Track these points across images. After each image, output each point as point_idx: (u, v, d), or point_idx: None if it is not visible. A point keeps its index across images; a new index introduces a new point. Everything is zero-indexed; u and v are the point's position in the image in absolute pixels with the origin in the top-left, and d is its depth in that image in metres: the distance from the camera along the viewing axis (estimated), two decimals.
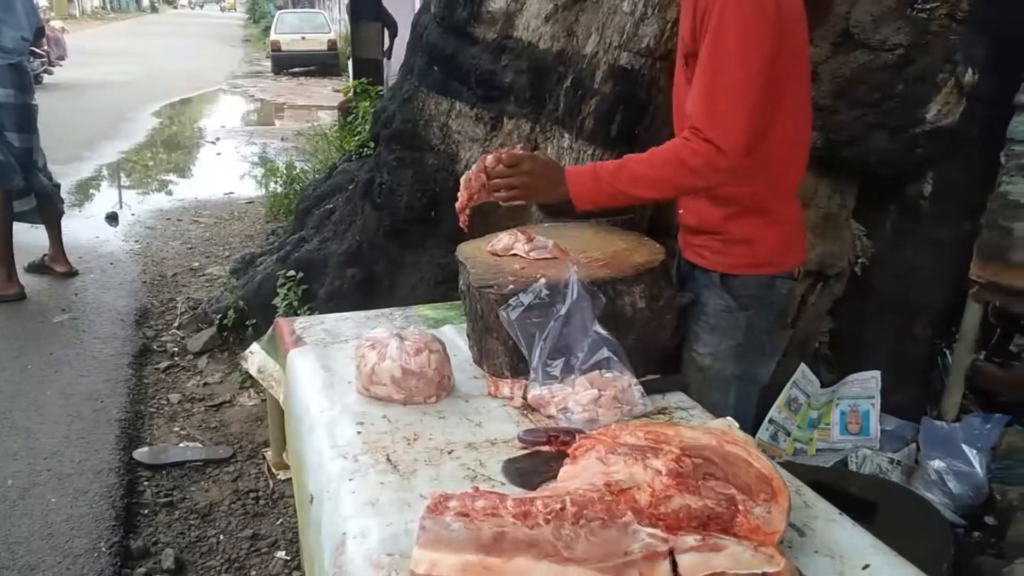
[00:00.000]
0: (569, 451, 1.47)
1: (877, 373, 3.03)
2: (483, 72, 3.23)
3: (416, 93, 3.55)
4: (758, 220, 1.94)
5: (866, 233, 3.13)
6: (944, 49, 2.64)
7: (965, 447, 2.73)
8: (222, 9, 61.60)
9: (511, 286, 1.88)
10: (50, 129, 9.38)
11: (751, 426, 2.77)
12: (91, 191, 7.79)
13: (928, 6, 2.67)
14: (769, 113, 1.80)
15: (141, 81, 16.13)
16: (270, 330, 2.34)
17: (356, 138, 4.98)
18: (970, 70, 2.66)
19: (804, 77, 1.94)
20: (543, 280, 1.84)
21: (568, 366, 1.79)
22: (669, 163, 1.79)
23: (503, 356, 1.93)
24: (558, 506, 1.21)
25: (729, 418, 1.62)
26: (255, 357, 2.30)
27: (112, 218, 6.57)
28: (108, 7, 53.12)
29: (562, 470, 1.42)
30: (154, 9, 60.83)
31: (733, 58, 1.71)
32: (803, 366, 3.08)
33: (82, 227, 6.31)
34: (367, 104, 5.09)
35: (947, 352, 3.10)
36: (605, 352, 1.78)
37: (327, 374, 1.95)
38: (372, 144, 4.23)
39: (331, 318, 2.35)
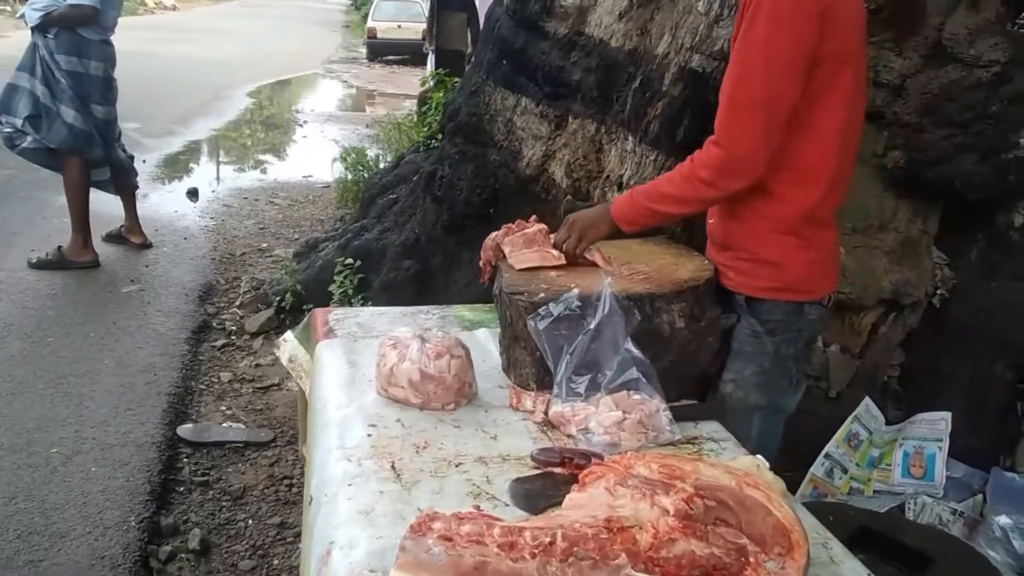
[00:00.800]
0: (580, 476, 1.37)
1: (948, 414, 2.81)
2: (551, 68, 3.14)
3: (483, 87, 3.49)
4: (787, 241, 1.83)
5: (948, 262, 2.91)
6: None
7: None
8: None
9: (542, 294, 1.79)
10: (148, 103, 9.86)
11: (774, 459, 2.62)
12: (177, 166, 8.02)
13: None
14: (801, 125, 1.70)
15: (240, 61, 16.57)
16: (305, 319, 2.31)
17: (426, 129, 4.96)
18: None
19: (853, 88, 1.76)
20: (576, 291, 1.74)
21: (594, 384, 1.69)
22: (686, 178, 1.77)
23: (530, 367, 1.84)
24: (547, 539, 1.12)
25: (759, 456, 1.50)
26: (287, 346, 2.27)
27: (193, 194, 6.74)
28: None
29: (568, 497, 1.33)
30: None
31: (758, 58, 1.64)
32: (867, 400, 2.88)
33: (163, 200, 6.50)
34: (440, 95, 5.07)
35: None
36: (635, 372, 1.67)
37: (351, 370, 1.90)
38: (440, 136, 4.19)
39: (367, 312, 2.31)
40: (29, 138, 4.45)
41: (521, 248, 2.02)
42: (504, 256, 2.03)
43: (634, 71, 2.87)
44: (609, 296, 1.69)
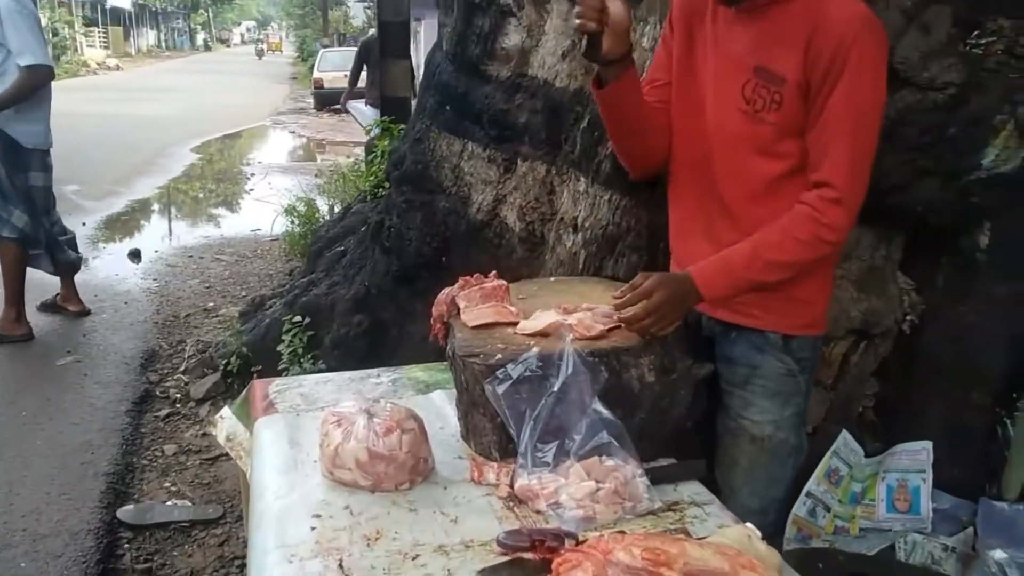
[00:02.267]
0: (553, 565, 1.22)
1: (928, 444, 2.71)
2: (496, 111, 3.03)
3: (427, 133, 3.37)
4: (818, 278, 1.83)
5: (915, 288, 2.83)
6: (1002, 88, 2.36)
7: None
8: (258, 54, 48.65)
9: (499, 355, 1.64)
10: (88, 164, 9.59)
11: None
12: (118, 227, 7.76)
13: (983, 41, 2.41)
14: None
15: (186, 117, 16.36)
16: (244, 392, 2.13)
17: (372, 178, 4.83)
18: None
19: None
20: (535, 350, 1.60)
21: (562, 450, 1.54)
22: (808, 244, 1.68)
23: (491, 435, 1.69)
24: None
25: (749, 525, 1.36)
26: (224, 423, 2.09)
27: (134, 255, 6.49)
28: (163, 46, 54.80)
29: None
30: (207, 48, 62.44)
31: (871, 113, 1.66)
32: (845, 433, 2.77)
33: (103, 264, 6.25)
34: (386, 143, 4.95)
35: (1008, 422, 2.77)
36: (605, 436, 1.53)
37: (292, 450, 1.72)
38: (386, 184, 4.06)
39: (311, 380, 2.13)
40: None
41: (477, 303, 1.87)
42: (458, 312, 1.88)
43: (581, 111, 2.78)
44: (572, 354, 1.55)
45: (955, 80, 2.35)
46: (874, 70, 1.62)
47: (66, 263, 4.79)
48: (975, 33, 2.41)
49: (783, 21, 1.66)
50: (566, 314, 1.74)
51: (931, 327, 2.81)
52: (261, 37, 67.10)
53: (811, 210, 1.66)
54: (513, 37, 3.03)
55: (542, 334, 1.69)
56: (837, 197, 1.63)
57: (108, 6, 40.36)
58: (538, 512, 1.49)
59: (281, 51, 56.03)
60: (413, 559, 1.34)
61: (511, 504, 1.53)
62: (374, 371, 2.20)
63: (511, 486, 1.55)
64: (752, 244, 1.72)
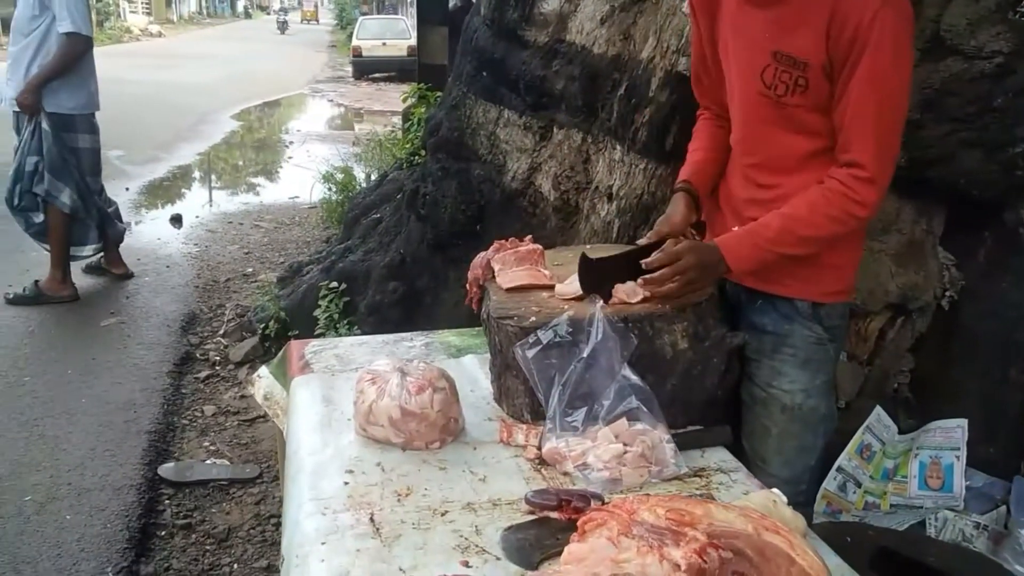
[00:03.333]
0: (579, 524, 1.24)
1: (964, 421, 2.67)
2: (533, 78, 3.02)
3: (464, 100, 3.37)
4: (850, 244, 1.82)
5: (955, 263, 2.78)
6: None
7: None
8: (280, 27, 38.37)
9: (533, 318, 1.66)
10: (131, 129, 9.73)
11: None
12: (160, 192, 7.89)
13: None
14: None
15: (227, 84, 16.49)
16: (281, 352, 2.17)
17: (408, 146, 4.84)
18: None
19: None
20: (566, 315, 1.61)
21: (591, 416, 1.56)
22: (837, 219, 1.68)
23: (524, 397, 1.71)
24: None
25: (775, 490, 1.37)
26: (262, 382, 2.13)
27: (176, 220, 6.61)
28: (204, 12, 55.05)
29: (567, 549, 1.18)
30: (247, 15, 62.63)
31: (897, 91, 1.64)
32: (879, 409, 2.75)
33: (146, 228, 6.37)
34: (423, 110, 4.95)
35: None
36: (634, 401, 1.54)
37: (327, 408, 1.76)
38: (423, 152, 4.07)
39: (346, 342, 2.17)
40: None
41: (512, 266, 1.88)
42: (493, 276, 1.90)
43: (619, 77, 2.76)
44: (602, 320, 1.56)
45: (1003, 49, 2.28)
46: (895, 48, 1.58)
47: (115, 236, 4.91)
48: (1023, 2, 2.34)
49: (800, 5, 1.63)
50: None
51: (970, 303, 2.76)
52: (285, 5, 54.07)
53: (842, 186, 1.65)
54: (552, 2, 3.01)
55: (578, 299, 1.70)
56: (868, 176, 1.63)
57: None
58: (565, 474, 1.51)
59: (317, 21, 49.56)
60: (442, 515, 1.37)
61: (539, 466, 1.55)
62: (407, 335, 2.22)
63: (539, 448, 1.58)
64: (781, 219, 1.71)
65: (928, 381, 2.87)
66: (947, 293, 2.78)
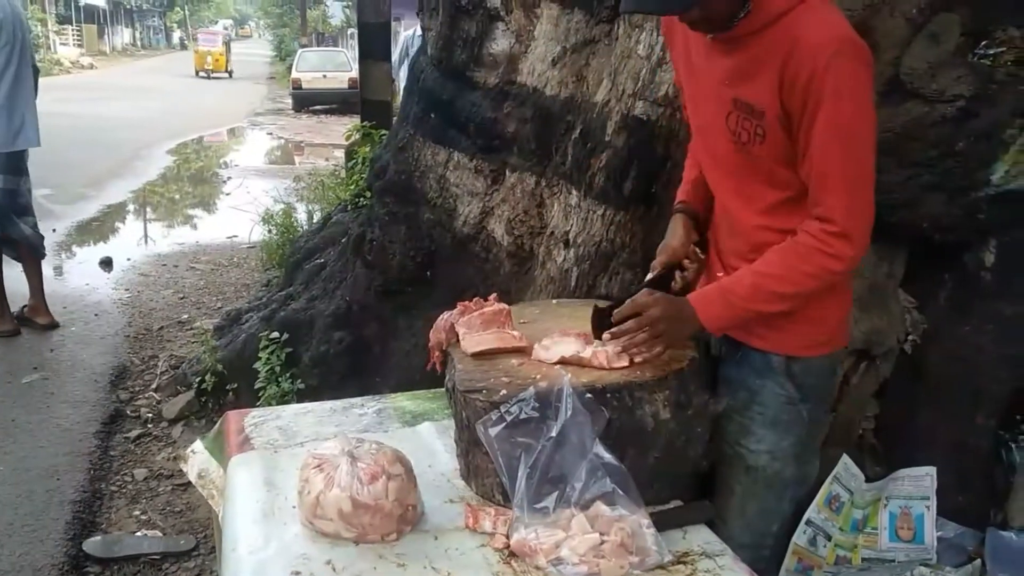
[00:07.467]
0: None
1: (932, 469, 2.61)
2: (484, 120, 2.92)
3: (412, 142, 3.24)
4: (834, 296, 1.73)
5: (916, 306, 2.74)
6: (1012, 102, 2.27)
7: None
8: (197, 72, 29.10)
9: (503, 391, 1.52)
10: (60, 166, 9.33)
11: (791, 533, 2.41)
12: (90, 233, 7.55)
13: (992, 52, 2.32)
14: None
15: (162, 117, 16.07)
16: (217, 424, 1.99)
17: (353, 186, 4.68)
18: None
19: None
20: (532, 389, 1.48)
21: (563, 499, 1.42)
22: (812, 275, 1.59)
23: (494, 476, 1.56)
24: None
25: None
26: (196, 458, 1.94)
27: (106, 263, 6.29)
28: (139, 44, 54.06)
29: None
30: (183, 47, 61.63)
31: (862, 141, 1.55)
32: (845, 457, 2.67)
33: (74, 272, 6.06)
34: (367, 149, 4.80)
35: (1013, 446, 2.69)
36: (608, 484, 1.41)
37: (269, 494, 1.59)
38: (368, 193, 3.92)
39: (290, 411, 2.00)
40: None
41: (478, 329, 1.74)
42: (457, 340, 1.75)
43: (573, 120, 2.68)
44: (570, 394, 1.43)
45: (965, 92, 2.26)
46: (855, 96, 1.51)
47: (32, 252, 4.60)
48: (983, 43, 2.32)
49: (757, 52, 1.56)
50: (586, 343, 1.63)
51: (934, 346, 2.72)
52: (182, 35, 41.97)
53: (816, 241, 1.57)
54: (501, 42, 2.92)
55: (562, 362, 1.59)
56: (840, 232, 1.55)
57: (82, 3, 39.70)
58: (537, 568, 1.36)
59: (228, 72, 31.12)
60: None
61: (508, 558, 1.40)
62: (357, 400, 2.06)
63: (507, 536, 1.43)
64: (753, 275, 1.64)
65: (894, 427, 2.81)
66: (909, 336, 2.74)
